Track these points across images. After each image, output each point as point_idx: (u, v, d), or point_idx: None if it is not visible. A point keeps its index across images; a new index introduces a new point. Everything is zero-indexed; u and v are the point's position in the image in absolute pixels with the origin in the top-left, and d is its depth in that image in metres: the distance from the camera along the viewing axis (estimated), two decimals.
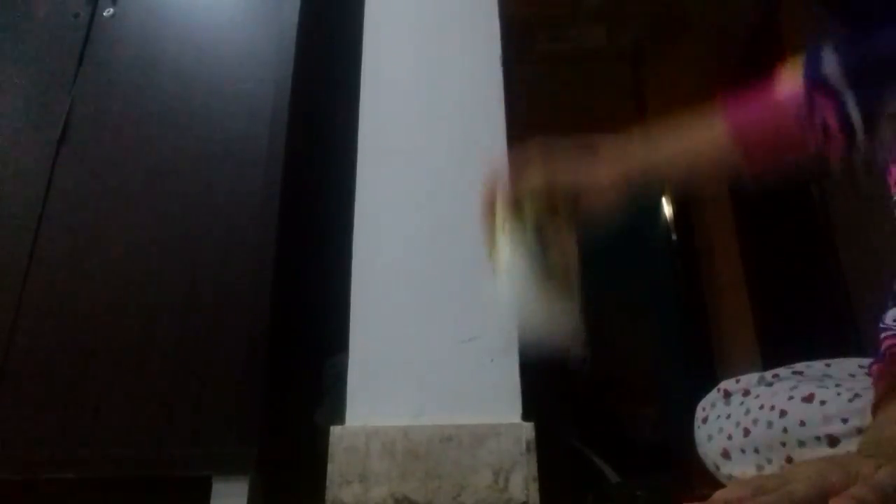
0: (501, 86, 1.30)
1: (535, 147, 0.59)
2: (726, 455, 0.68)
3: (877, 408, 0.48)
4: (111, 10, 1.52)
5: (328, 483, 1.02)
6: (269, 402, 1.13)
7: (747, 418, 0.66)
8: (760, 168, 0.53)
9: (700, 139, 0.56)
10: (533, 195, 0.57)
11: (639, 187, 0.57)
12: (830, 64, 0.50)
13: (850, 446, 0.54)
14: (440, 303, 1.15)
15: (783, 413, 0.61)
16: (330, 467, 1.03)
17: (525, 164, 0.59)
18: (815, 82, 0.50)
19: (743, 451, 0.66)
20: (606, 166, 0.57)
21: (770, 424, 0.62)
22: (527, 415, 1.04)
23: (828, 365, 0.69)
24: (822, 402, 0.59)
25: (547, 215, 0.57)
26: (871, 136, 0.48)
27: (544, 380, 1.20)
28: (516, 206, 0.57)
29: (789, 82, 0.52)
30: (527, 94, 2.28)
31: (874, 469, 0.34)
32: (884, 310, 0.55)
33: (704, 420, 0.73)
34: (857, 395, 0.56)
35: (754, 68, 2.84)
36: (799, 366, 0.70)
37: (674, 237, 4.04)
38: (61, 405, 1.16)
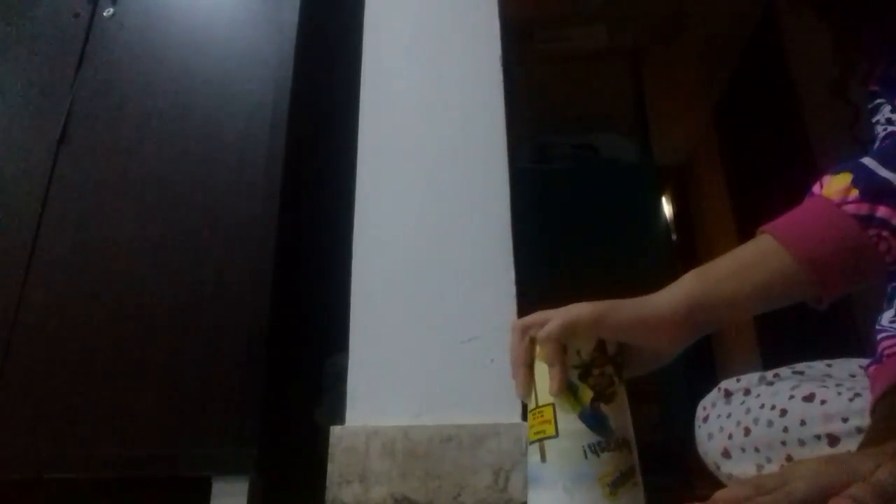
0: (501, 86, 1.30)
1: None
2: (726, 454, 0.68)
3: (875, 408, 0.48)
4: (111, 10, 1.52)
5: (328, 483, 1.02)
6: (269, 402, 1.13)
7: (748, 417, 0.66)
8: (834, 284, 0.48)
9: (762, 265, 0.50)
10: (580, 331, 0.48)
11: (702, 317, 0.50)
12: (883, 170, 0.48)
13: (850, 446, 0.54)
14: (440, 303, 1.15)
15: (784, 412, 0.61)
16: (330, 467, 1.03)
17: (567, 308, 0.50)
18: (877, 188, 0.48)
19: (743, 450, 0.66)
20: (664, 298, 0.51)
21: (770, 423, 0.62)
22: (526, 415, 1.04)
23: (829, 365, 0.69)
24: (823, 402, 0.59)
25: (596, 363, 0.49)
26: None
27: None
28: (559, 351, 0.48)
29: (840, 192, 0.49)
30: (527, 94, 2.28)
31: (873, 468, 0.34)
32: (881, 311, 0.55)
33: (705, 419, 0.73)
34: (857, 395, 0.56)
35: (754, 69, 2.85)
36: (800, 366, 0.70)
37: (674, 237, 4.05)
38: (61, 405, 1.16)
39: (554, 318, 0.49)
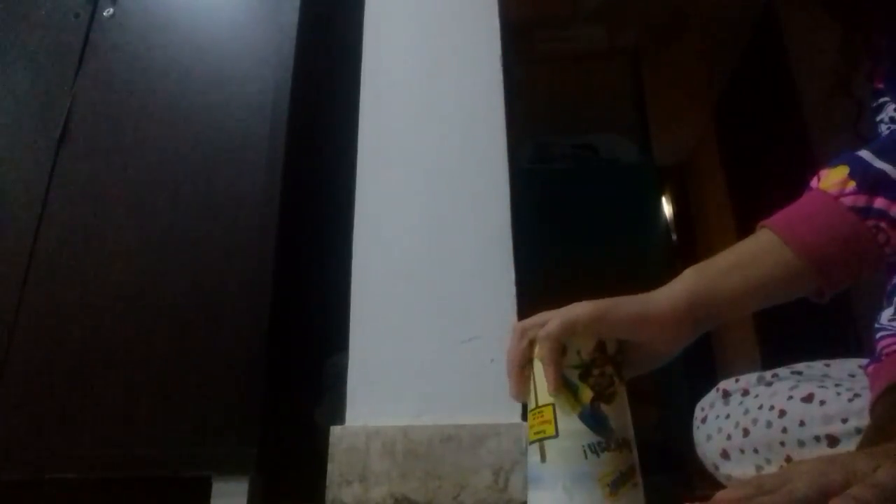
0: (501, 86, 1.30)
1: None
2: (725, 455, 0.68)
3: (874, 407, 0.48)
4: (111, 10, 1.52)
5: (328, 483, 1.02)
6: (269, 402, 1.13)
7: (746, 418, 0.66)
8: (834, 276, 0.48)
9: (762, 259, 0.50)
10: (581, 330, 0.48)
11: (703, 313, 0.50)
12: (879, 162, 0.49)
13: (849, 446, 0.54)
14: (440, 303, 1.15)
15: (782, 413, 0.61)
16: (330, 467, 1.03)
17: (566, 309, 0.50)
18: (873, 179, 0.48)
19: (742, 451, 0.66)
20: (664, 294, 0.51)
21: (769, 424, 0.62)
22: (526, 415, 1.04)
23: (827, 365, 0.69)
24: (822, 402, 0.58)
25: (596, 363, 0.48)
26: None
27: None
28: (557, 351, 0.48)
29: (837, 185, 0.49)
30: (527, 94, 2.28)
31: (873, 468, 0.34)
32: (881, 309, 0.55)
33: (703, 420, 0.73)
34: (856, 396, 0.56)
35: (754, 68, 2.84)
36: (799, 366, 0.70)
37: (674, 237, 4.05)
38: (61, 405, 1.17)
39: (554, 318, 0.49)
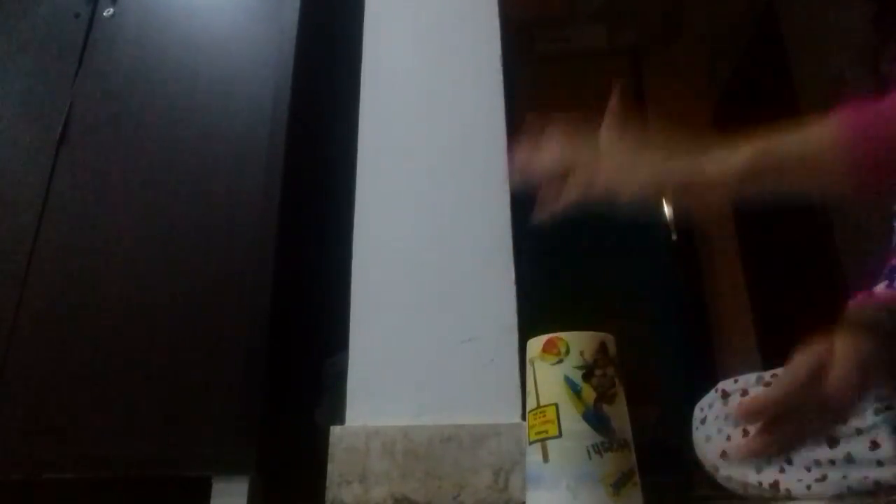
0: (501, 86, 1.30)
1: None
2: (725, 456, 0.68)
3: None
4: (111, 10, 1.52)
5: (328, 483, 1.02)
6: (269, 402, 1.13)
7: None
8: (874, 180, 0.49)
9: (818, 143, 0.51)
10: (640, 190, 0.52)
11: (747, 190, 0.53)
12: None
13: (850, 447, 0.54)
14: (440, 303, 1.14)
15: None
16: (330, 467, 1.03)
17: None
18: None
19: None
20: (717, 169, 0.53)
21: None
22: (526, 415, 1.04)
23: None
24: None
25: (598, 364, 0.49)
26: None
27: None
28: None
29: None
30: (527, 94, 2.28)
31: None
32: None
33: (703, 421, 0.73)
34: None
35: (755, 68, 2.84)
36: None
37: (674, 237, 4.05)
38: (61, 405, 1.16)
39: (614, 173, 0.56)
